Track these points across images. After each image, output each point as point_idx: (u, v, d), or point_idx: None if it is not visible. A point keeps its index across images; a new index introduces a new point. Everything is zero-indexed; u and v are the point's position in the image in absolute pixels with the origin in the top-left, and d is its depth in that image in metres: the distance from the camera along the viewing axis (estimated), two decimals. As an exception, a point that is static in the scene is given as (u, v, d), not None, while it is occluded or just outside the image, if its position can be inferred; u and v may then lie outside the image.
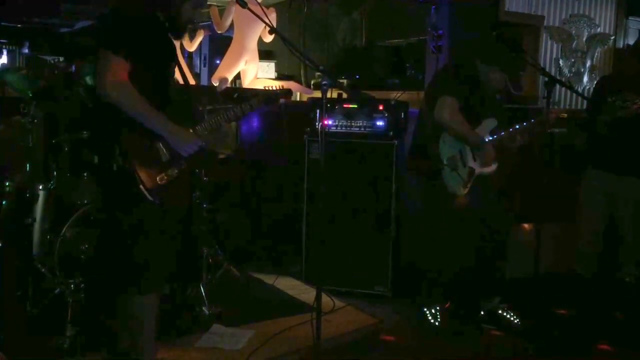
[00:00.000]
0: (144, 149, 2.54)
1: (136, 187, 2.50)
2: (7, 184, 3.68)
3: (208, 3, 6.83)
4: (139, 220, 2.59)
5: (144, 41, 2.53)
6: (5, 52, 8.08)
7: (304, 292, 4.20)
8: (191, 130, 2.67)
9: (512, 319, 3.78)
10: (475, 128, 3.59)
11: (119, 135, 2.50)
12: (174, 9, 2.63)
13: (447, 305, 3.90)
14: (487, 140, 3.58)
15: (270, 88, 3.03)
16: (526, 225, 4.47)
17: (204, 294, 3.69)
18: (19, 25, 7.17)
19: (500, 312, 3.82)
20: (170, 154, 2.60)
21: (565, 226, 4.39)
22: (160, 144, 2.58)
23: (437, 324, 3.77)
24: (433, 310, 3.80)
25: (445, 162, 3.53)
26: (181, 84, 2.84)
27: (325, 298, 3.38)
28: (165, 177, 2.57)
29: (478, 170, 3.59)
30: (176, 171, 2.61)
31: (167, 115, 2.57)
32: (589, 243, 4.07)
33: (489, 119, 3.61)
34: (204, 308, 3.65)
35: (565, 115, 3.48)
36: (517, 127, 3.57)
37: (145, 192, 2.50)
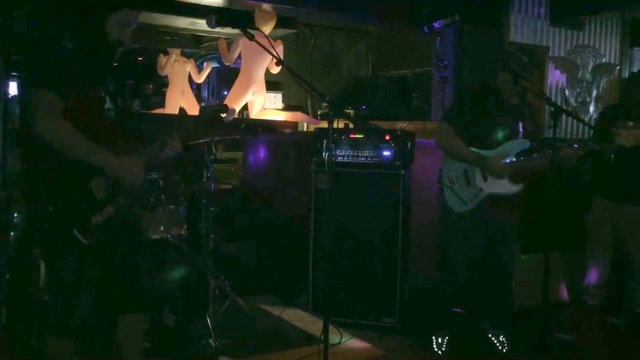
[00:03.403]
0: (76, 190, 2.42)
1: (69, 231, 2.39)
2: (15, 215, 3.70)
3: (216, 35, 6.93)
4: (74, 264, 2.47)
5: (72, 73, 2.41)
6: (16, 83, 8.17)
7: (311, 324, 4.16)
8: (135, 157, 2.54)
9: (497, 344, 3.73)
10: (496, 147, 3.57)
11: (50, 177, 2.39)
12: (93, 26, 2.46)
13: (453, 336, 3.85)
14: (507, 161, 3.54)
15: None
16: (534, 255, 4.43)
17: (210, 325, 3.67)
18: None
19: (489, 335, 3.76)
20: (106, 192, 2.48)
21: (574, 255, 4.36)
22: (94, 183, 2.45)
23: (444, 353, 3.72)
24: (440, 340, 3.75)
25: (445, 182, 3.62)
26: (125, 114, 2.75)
27: (332, 330, 3.34)
28: (101, 217, 2.45)
29: (489, 190, 3.57)
30: (112, 209, 2.49)
31: (107, 146, 2.45)
32: (597, 272, 4.04)
33: (521, 140, 3.60)
34: (210, 340, 3.62)
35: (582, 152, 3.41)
36: (536, 155, 3.52)
37: (79, 235, 2.40)
